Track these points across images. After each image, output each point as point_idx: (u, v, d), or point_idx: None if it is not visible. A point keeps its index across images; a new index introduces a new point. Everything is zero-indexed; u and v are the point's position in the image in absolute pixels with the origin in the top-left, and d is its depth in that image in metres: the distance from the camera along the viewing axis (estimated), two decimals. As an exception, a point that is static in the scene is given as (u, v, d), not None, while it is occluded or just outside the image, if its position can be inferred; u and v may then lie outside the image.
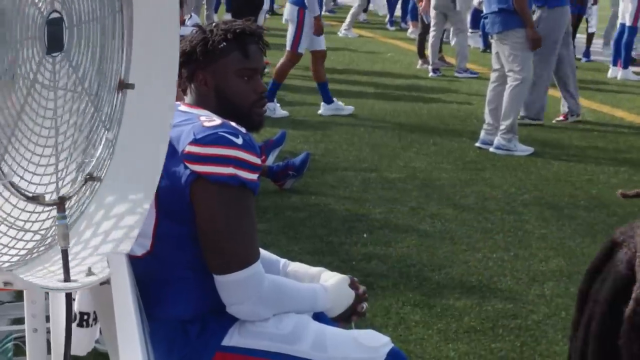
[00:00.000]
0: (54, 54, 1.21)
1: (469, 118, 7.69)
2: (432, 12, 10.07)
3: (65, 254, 1.31)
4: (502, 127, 6.41)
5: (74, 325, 1.91)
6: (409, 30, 14.30)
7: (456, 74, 10.12)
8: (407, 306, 3.63)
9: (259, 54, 2.09)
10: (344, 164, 5.94)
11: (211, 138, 1.88)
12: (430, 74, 10.10)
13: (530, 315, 3.59)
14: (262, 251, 2.08)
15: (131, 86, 1.56)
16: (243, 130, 1.93)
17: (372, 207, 4.99)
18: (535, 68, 6.59)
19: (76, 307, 1.92)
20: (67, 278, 1.30)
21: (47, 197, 1.29)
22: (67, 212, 1.39)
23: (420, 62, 10.76)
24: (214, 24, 2.11)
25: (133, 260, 1.66)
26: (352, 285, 2.13)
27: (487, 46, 11.08)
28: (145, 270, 1.88)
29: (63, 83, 1.27)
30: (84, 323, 1.91)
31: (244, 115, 2.06)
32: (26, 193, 1.21)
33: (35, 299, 1.68)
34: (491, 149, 6.42)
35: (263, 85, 2.11)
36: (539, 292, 3.84)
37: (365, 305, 2.14)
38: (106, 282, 1.52)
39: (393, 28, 15.64)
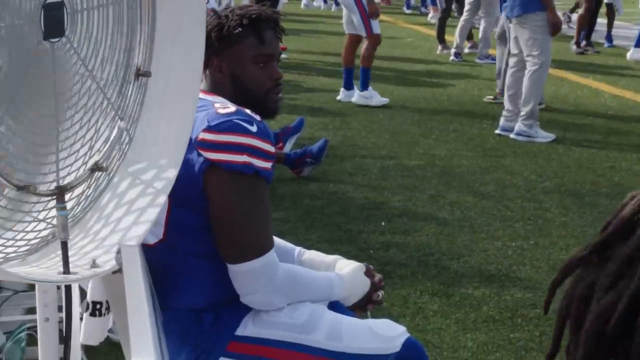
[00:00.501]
0: (52, 40, 1.17)
1: (489, 104, 7.62)
2: None
3: (64, 245, 1.28)
4: (522, 113, 6.34)
5: (86, 314, 1.89)
6: (430, 15, 14.20)
7: (477, 60, 10.02)
8: (425, 295, 3.60)
9: (275, 40, 2.06)
10: (363, 151, 5.89)
11: (225, 125, 1.86)
12: (452, 57, 10.01)
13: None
14: (277, 240, 2.06)
15: (148, 74, 1.53)
16: (258, 117, 1.90)
17: (390, 195, 4.95)
18: None
19: (89, 296, 1.90)
20: (66, 270, 1.28)
21: (46, 187, 1.26)
22: (76, 202, 1.37)
23: (440, 47, 10.67)
24: (229, 9, 2.08)
25: (145, 248, 1.64)
26: (368, 274, 2.10)
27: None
28: (158, 259, 1.86)
29: (65, 69, 1.24)
30: (97, 312, 1.89)
31: (260, 102, 2.03)
32: (17, 182, 1.17)
33: (47, 289, 1.66)
34: (512, 136, 6.35)
35: (279, 71, 2.08)
36: (560, 281, 3.79)
37: (381, 293, 2.11)
38: (118, 271, 1.50)
39: (409, 11, 15.53)
